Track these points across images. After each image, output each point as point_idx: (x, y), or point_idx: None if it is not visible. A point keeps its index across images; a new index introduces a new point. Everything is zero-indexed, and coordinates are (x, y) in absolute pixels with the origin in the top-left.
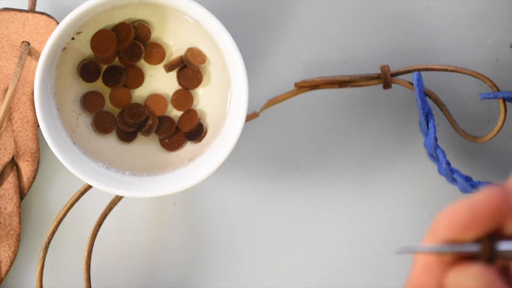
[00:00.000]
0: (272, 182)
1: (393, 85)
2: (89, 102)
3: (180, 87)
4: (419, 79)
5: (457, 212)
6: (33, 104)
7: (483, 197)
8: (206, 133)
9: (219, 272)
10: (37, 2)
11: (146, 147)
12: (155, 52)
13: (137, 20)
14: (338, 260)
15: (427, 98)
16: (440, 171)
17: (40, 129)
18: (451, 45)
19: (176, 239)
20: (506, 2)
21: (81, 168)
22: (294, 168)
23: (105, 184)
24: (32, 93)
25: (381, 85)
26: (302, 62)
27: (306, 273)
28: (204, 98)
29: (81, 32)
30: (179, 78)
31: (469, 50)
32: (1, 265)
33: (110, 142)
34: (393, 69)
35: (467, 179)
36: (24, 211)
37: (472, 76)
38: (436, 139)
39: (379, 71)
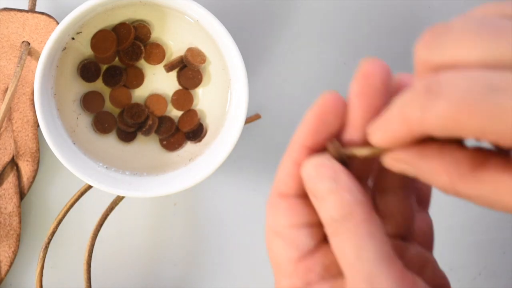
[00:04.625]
0: (272, 182)
1: None
2: (89, 102)
3: (180, 87)
4: None
5: (307, 119)
6: (33, 104)
7: (320, 101)
8: (206, 133)
9: (219, 272)
10: (37, 2)
11: (146, 147)
12: (155, 52)
13: (137, 20)
14: None
15: None
16: None
17: (40, 129)
18: None
19: (176, 239)
20: (506, 2)
21: (81, 168)
22: None
23: (105, 184)
24: (32, 93)
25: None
26: (302, 62)
27: None
28: (204, 98)
29: (81, 32)
30: (179, 78)
31: None
32: (1, 265)
33: (110, 142)
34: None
35: None
36: (24, 211)
37: None
38: None
39: None
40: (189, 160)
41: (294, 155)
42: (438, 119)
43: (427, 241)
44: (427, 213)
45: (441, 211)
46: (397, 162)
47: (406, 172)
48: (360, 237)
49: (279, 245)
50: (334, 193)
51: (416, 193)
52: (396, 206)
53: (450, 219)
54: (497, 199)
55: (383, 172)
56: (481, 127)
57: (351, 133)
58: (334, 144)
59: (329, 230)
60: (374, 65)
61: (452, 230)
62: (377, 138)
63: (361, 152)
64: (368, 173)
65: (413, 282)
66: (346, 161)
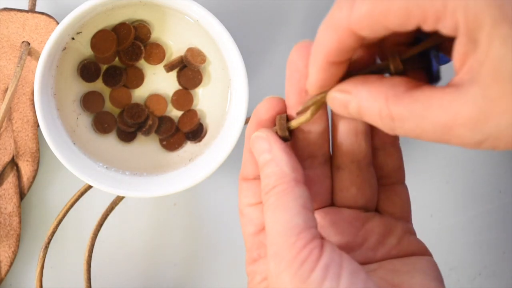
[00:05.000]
0: None
1: None
2: (89, 102)
3: (180, 87)
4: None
5: (252, 118)
6: (33, 104)
7: (262, 105)
8: (206, 133)
9: (219, 272)
10: (37, 2)
11: (146, 147)
12: (155, 52)
13: (137, 20)
14: None
15: None
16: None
17: (40, 129)
18: None
19: (176, 239)
20: None
21: (81, 168)
22: None
23: (105, 184)
24: (32, 93)
25: None
26: None
27: None
28: (204, 98)
29: (81, 32)
30: (179, 78)
31: None
32: (1, 265)
33: (110, 142)
34: None
35: None
36: (24, 211)
37: None
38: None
39: None
40: (189, 160)
41: (248, 146)
42: (365, 8)
43: (401, 212)
44: (401, 186)
45: (441, 211)
46: (341, 92)
47: (347, 106)
48: (275, 209)
49: (242, 222)
50: (266, 165)
51: (383, 170)
52: (350, 180)
53: (450, 219)
54: (427, 114)
55: (337, 150)
56: (407, 6)
57: (289, 111)
58: (280, 118)
59: (262, 198)
60: (298, 51)
61: (452, 230)
62: (313, 67)
63: (299, 120)
64: (322, 150)
65: (318, 252)
66: (287, 137)
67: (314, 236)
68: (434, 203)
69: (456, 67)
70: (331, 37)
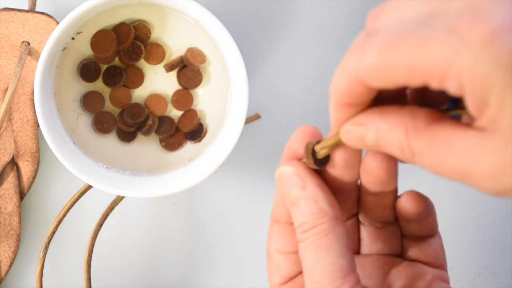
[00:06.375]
0: (272, 182)
1: None
2: (89, 102)
3: (180, 87)
4: None
5: (288, 146)
6: (33, 104)
7: (295, 135)
8: (206, 133)
9: (219, 272)
10: (37, 2)
11: (146, 147)
12: (155, 52)
13: (137, 20)
14: None
15: None
16: None
17: (40, 129)
18: None
19: (176, 239)
20: None
21: (81, 168)
22: None
23: (105, 184)
24: (32, 93)
25: None
26: (302, 62)
27: None
28: (204, 98)
29: (81, 32)
30: (179, 78)
31: None
32: (1, 265)
33: (110, 142)
34: None
35: None
36: (24, 211)
37: None
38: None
39: None
40: (189, 160)
41: None
42: (371, 60)
43: (435, 261)
44: (434, 237)
45: (442, 211)
46: (356, 125)
47: (363, 140)
48: (318, 249)
49: (269, 267)
50: (301, 201)
51: (417, 235)
52: (376, 235)
53: (450, 219)
54: (446, 155)
55: (363, 211)
56: (411, 63)
57: None
58: (308, 146)
59: (297, 235)
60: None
61: (452, 230)
62: (330, 104)
63: (325, 145)
64: (351, 202)
65: None
66: (318, 168)
67: (357, 281)
68: (434, 203)
69: (474, 116)
70: (343, 82)
